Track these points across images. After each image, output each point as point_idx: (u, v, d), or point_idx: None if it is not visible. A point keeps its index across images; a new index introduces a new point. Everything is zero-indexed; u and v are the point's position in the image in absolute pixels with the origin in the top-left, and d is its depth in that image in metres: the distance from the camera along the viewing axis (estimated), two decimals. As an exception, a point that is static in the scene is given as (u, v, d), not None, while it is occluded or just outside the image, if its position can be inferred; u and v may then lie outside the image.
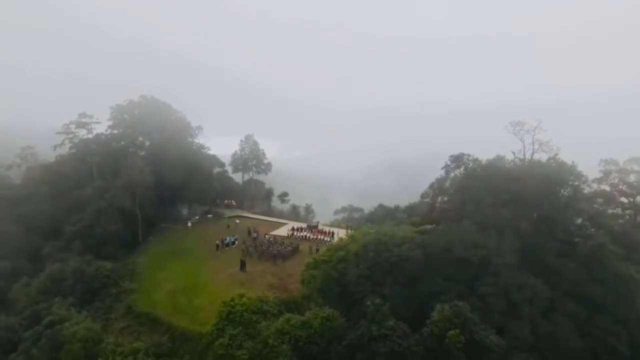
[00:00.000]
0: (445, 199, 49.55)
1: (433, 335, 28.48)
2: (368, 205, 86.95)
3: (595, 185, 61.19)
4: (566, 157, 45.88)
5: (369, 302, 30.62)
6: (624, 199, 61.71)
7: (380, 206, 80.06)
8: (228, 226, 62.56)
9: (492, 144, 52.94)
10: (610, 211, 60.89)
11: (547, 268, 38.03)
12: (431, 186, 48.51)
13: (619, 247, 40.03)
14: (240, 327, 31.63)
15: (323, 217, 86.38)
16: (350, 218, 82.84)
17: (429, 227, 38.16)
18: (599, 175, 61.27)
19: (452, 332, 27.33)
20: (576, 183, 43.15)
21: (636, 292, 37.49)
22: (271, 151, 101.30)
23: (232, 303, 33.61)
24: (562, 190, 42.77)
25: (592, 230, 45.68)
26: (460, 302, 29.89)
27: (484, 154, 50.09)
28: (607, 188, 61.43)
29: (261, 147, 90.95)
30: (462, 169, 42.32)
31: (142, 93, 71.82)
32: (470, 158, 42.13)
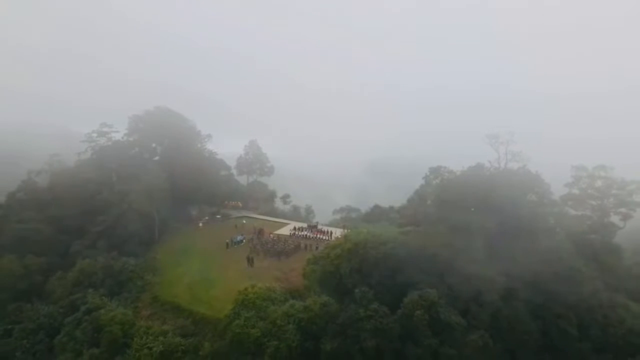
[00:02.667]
0: (429, 202, 56.34)
1: (404, 315, 35.32)
2: (365, 206, 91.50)
3: (567, 189, 68.10)
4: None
5: (357, 290, 37.39)
6: (592, 202, 68.29)
7: (376, 207, 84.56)
8: (236, 226, 68.32)
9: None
10: (580, 213, 67.70)
11: (512, 263, 44.73)
12: (416, 192, 55.34)
13: (574, 246, 46.97)
14: (253, 311, 38.05)
15: (322, 216, 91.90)
16: (348, 218, 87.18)
17: (410, 228, 44.81)
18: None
19: (417, 312, 34.30)
20: (540, 190, 49.85)
21: (585, 283, 44.27)
22: (272, 149, 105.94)
23: (245, 292, 40.14)
24: (527, 197, 49.51)
25: (556, 230, 52.62)
26: (430, 290, 36.84)
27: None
28: (577, 192, 68.07)
29: (264, 150, 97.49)
30: (439, 179, 49.10)
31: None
32: (447, 170, 48.96)
